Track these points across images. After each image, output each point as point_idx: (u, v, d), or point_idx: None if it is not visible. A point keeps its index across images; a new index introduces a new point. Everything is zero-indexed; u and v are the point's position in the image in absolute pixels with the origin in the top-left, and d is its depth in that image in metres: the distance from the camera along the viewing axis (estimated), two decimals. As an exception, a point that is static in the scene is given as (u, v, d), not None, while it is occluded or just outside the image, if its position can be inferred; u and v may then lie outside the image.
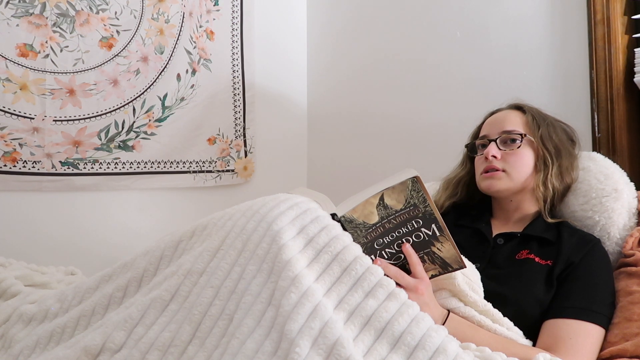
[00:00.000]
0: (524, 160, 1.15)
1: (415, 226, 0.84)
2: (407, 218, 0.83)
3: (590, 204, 1.15)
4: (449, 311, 0.90)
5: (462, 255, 0.90)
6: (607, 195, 1.15)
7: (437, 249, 0.87)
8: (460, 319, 0.90)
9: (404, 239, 0.86)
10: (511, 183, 1.14)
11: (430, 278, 0.90)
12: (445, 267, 0.90)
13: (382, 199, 0.81)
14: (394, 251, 0.87)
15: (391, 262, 0.87)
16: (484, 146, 1.19)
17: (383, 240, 0.86)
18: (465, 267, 0.90)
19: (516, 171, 1.14)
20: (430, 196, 0.82)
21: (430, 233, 0.85)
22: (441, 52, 1.83)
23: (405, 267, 0.88)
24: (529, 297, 1.00)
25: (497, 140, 1.16)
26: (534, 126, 1.16)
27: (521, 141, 1.15)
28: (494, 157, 1.14)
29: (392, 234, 0.85)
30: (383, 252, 0.87)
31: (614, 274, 1.07)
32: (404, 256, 0.87)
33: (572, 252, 1.04)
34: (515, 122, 1.18)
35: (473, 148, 1.24)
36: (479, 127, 1.28)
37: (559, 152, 1.16)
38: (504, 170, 1.14)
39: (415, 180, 0.80)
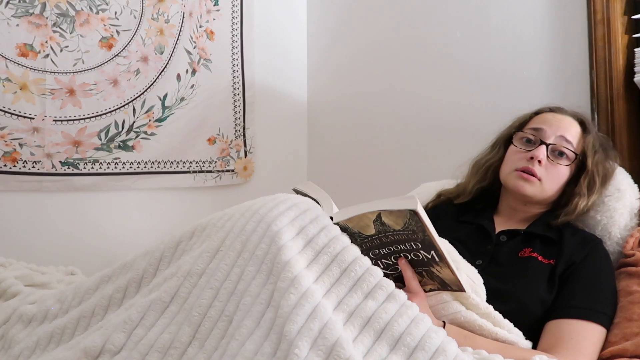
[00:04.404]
0: (561, 176, 1.12)
1: (414, 247, 0.82)
2: (405, 238, 0.81)
3: (593, 203, 1.15)
4: (444, 323, 0.89)
5: (464, 268, 0.90)
6: (610, 195, 1.15)
7: (437, 270, 0.85)
8: (457, 330, 0.89)
9: (401, 254, 0.84)
10: (541, 193, 1.12)
11: (427, 291, 0.90)
12: (445, 286, 0.88)
13: (379, 216, 0.79)
14: (391, 262, 0.86)
15: (387, 272, 0.86)
16: (531, 142, 1.14)
17: (380, 251, 0.84)
18: (465, 291, 0.88)
19: (550, 184, 1.11)
20: (429, 227, 0.79)
21: (429, 256, 0.83)
22: (441, 51, 1.83)
23: (402, 278, 0.86)
24: (532, 295, 1.00)
25: (550, 147, 1.11)
26: (592, 151, 1.13)
27: (572, 162, 1.12)
28: (539, 162, 1.10)
29: (389, 247, 0.83)
30: (379, 262, 0.86)
31: (615, 274, 1.07)
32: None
33: (574, 252, 1.04)
34: (575, 137, 1.13)
35: (527, 138, 1.15)
36: (529, 117, 1.21)
37: (605, 180, 1.14)
38: (539, 179, 1.11)
39: (414, 213, 0.76)
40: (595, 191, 1.12)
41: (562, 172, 1.12)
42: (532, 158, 1.11)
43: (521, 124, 1.22)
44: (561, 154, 1.12)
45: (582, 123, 1.17)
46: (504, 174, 1.17)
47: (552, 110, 1.20)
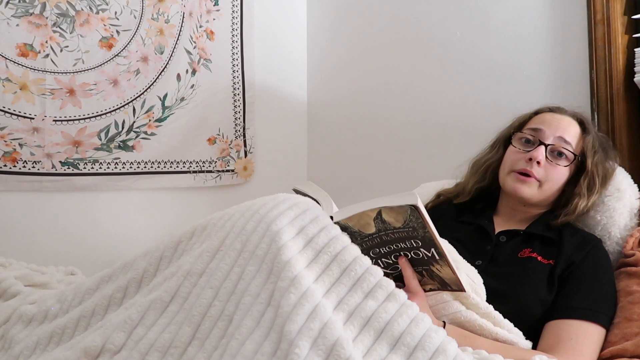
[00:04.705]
0: (561, 177, 1.12)
1: (415, 245, 0.82)
2: (406, 236, 0.81)
3: (593, 204, 1.14)
4: (444, 323, 0.89)
5: (464, 268, 0.90)
6: (610, 195, 1.15)
7: (437, 269, 0.85)
8: (457, 330, 0.89)
9: (401, 253, 0.84)
10: (539, 194, 1.12)
11: (427, 291, 0.89)
12: (445, 286, 0.88)
13: (379, 213, 0.79)
14: (391, 261, 0.86)
15: (387, 271, 0.86)
16: (530, 142, 1.14)
17: (380, 250, 0.84)
18: (465, 291, 0.88)
19: (549, 185, 1.11)
20: (430, 223, 0.79)
21: (429, 255, 0.83)
22: (441, 51, 1.83)
23: (402, 278, 0.86)
24: (532, 296, 1.00)
25: (548, 148, 1.11)
26: (591, 151, 1.12)
27: (572, 162, 1.12)
28: (538, 163, 1.10)
29: (389, 246, 0.83)
30: (379, 261, 0.85)
31: (614, 274, 1.07)
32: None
33: (574, 252, 1.04)
34: (574, 137, 1.13)
35: (525, 138, 1.15)
36: (529, 117, 1.21)
37: (605, 181, 1.14)
38: (538, 180, 1.11)
39: (414, 208, 0.77)
40: (595, 191, 1.12)
41: (561, 172, 1.12)
42: (530, 159, 1.10)
43: (520, 124, 1.22)
44: (560, 154, 1.12)
45: (581, 123, 1.17)
46: (502, 175, 1.17)
47: (551, 110, 1.20)
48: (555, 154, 1.12)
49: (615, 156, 1.20)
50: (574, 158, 1.12)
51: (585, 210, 1.13)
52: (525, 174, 1.11)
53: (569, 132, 1.13)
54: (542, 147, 1.11)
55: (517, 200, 1.16)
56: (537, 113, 1.22)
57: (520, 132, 1.18)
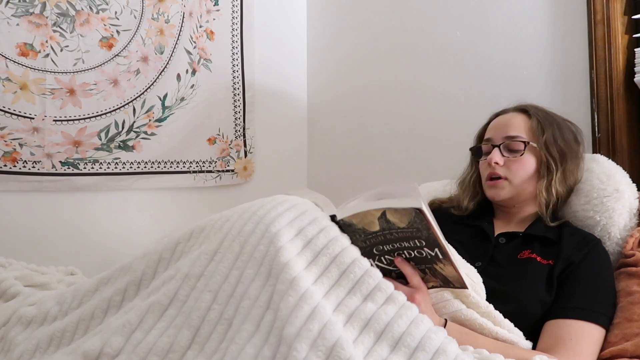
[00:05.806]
0: (525, 168, 1.14)
1: (418, 245, 0.82)
2: (409, 236, 0.81)
3: (592, 204, 1.15)
4: (446, 320, 0.89)
5: (464, 268, 0.89)
6: (609, 196, 1.15)
7: (440, 267, 0.85)
8: (458, 328, 0.89)
9: (404, 251, 0.84)
10: (514, 190, 1.14)
11: (429, 288, 0.89)
12: (447, 284, 0.88)
13: (384, 213, 0.79)
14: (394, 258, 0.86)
15: (391, 268, 0.86)
16: (488, 151, 1.19)
17: (383, 248, 0.84)
18: (467, 288, 0.88)
19: (518, 178, 1.14)
20: (434, 225, 0.79)
21: (433, 254, 0.83)
22: (441, 52, 1.83)
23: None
24: (531, 296, 1.00)
25: (501, 147, 1.15)
26: (539, 131, 1.14)
27: (524, 149, 1.14)
28: (497, 163, 1.14)
29: (393, 244, 0.83)
30: (382, 258, 0.85)
31: (614, 274, 1.07)
32: None
33: (573, 252, 1.04)
34: (519, 127, 1.16)
35: (478, 151, 1.23)
36: (484, 128, 1.26)
37: (563, 156, 1.15)
38: (505, 178, 1.14)
39: (419, 212, 0.77)
40: (557, 168, 1.13)
41: (523, 163, 1.14)
42: (490, 164, 1.15)
43: (480, 138, 1.28)
44: (514, 147, 1.15)
45: (525, 111, 1.20)
46: (484, 188, 1.21)
47: (497, 114, 1.25)
48: (508, 150, 1.15)
49: (578, 130, 1.21)
50: (525, 145, 1.14)
51: (565, 191, 1.15)
52: (494, 178, 1.15)
53: (513, 126, 1.16)
54: (496, 149, 1.15)
55: (500, 205, 1.19)
56: (488, 123, 1.26)
57: (476, 146, 1.24)
